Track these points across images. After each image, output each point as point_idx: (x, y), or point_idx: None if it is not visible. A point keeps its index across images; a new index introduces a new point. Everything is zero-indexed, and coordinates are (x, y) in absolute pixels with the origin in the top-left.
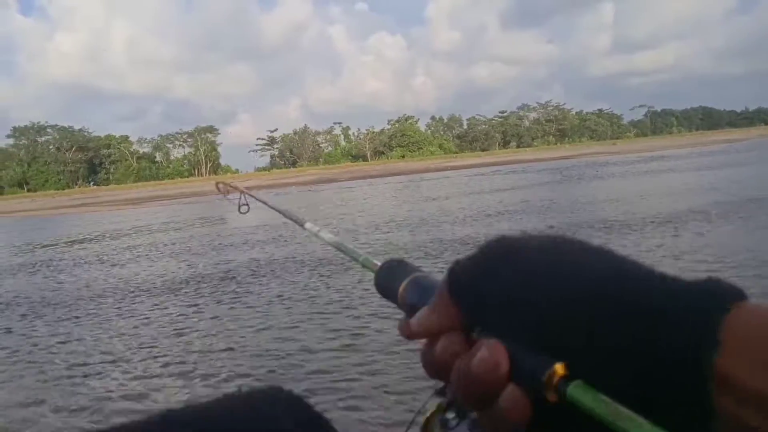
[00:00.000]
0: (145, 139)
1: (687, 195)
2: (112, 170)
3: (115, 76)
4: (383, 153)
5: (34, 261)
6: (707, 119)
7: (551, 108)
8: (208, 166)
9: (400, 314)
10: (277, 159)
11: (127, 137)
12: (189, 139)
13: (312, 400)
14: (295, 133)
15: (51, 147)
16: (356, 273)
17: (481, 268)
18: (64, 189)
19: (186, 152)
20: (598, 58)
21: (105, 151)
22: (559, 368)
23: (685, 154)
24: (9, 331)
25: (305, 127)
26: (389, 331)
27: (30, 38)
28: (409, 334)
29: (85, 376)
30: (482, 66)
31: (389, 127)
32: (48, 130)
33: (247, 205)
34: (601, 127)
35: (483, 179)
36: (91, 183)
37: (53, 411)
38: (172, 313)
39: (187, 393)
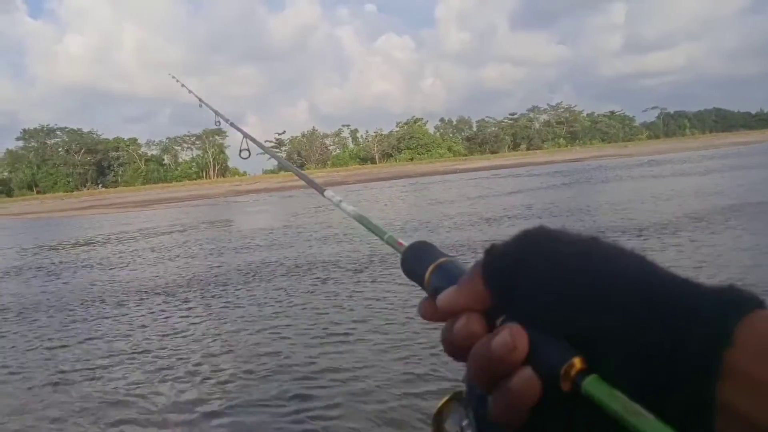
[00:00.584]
0: (154, 141)
1: (712, 196)
2: (120, 172)
3: (124, 79)
4: (391, 155)
5: (38, 264)
6: (721, 121)
7: (562, 110)
8: (216, 168)
9: (400, 315)
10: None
11: (135, 139)
12: (197, 142)
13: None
14: (303, 135)
15: (60, 149)
16: (358, 281)
17: (517, 256)
18: (73, 191)
19: (194, 154)
20: (609, 59)
21: (114, 153)
22: (577, 361)
23: (696, 157)
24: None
25: (313, 129)
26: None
27: (39, 41)
28: (432, 313)
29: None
30: (492, 67)
31: (398, 129)
32: (57, 132)
33: (248, 150)
34: (612, 129)
35: (492, 181)
36: (100, 185)
37: (53, 411)
38: (177, 315)
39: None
